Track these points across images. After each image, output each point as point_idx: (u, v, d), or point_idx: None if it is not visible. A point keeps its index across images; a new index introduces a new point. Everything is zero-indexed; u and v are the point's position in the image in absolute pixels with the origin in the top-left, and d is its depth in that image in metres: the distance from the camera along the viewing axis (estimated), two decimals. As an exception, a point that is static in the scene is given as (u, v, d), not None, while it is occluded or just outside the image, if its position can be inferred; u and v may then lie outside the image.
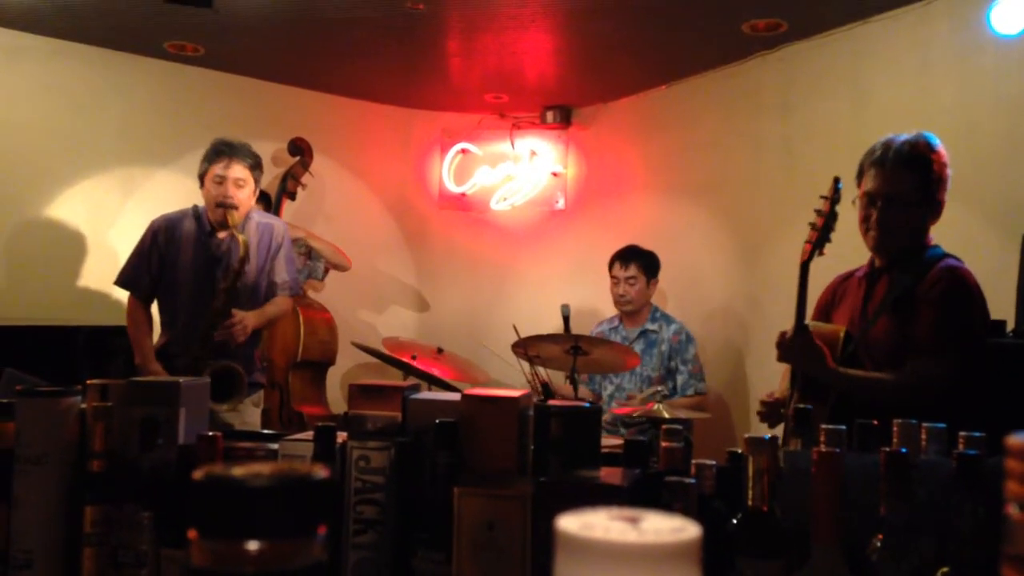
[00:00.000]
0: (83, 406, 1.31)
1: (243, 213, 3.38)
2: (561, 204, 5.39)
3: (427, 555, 1.14)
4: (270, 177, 4.83)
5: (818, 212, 2.33)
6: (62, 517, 1.25)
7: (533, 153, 5.39)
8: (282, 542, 0.37)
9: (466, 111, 5.44)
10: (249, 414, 3.43)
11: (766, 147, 4.36)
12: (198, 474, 0.38)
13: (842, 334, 2.36)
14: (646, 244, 4.37)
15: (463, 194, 5.51)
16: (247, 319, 3.28)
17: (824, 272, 2.55)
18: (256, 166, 3.41)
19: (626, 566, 0.36)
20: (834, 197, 2.32)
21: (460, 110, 5.44)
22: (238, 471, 0.38)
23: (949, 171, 2.38)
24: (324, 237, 4.75)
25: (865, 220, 2.38)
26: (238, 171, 3.33)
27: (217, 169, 3.34)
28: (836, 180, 2.34)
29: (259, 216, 3.58)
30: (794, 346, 2.27)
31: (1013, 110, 3.31)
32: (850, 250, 2.51)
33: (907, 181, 2.32)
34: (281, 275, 3.49)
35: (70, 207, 4.36)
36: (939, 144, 2.37)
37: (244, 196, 3.36)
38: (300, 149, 4.74)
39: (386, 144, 5.52)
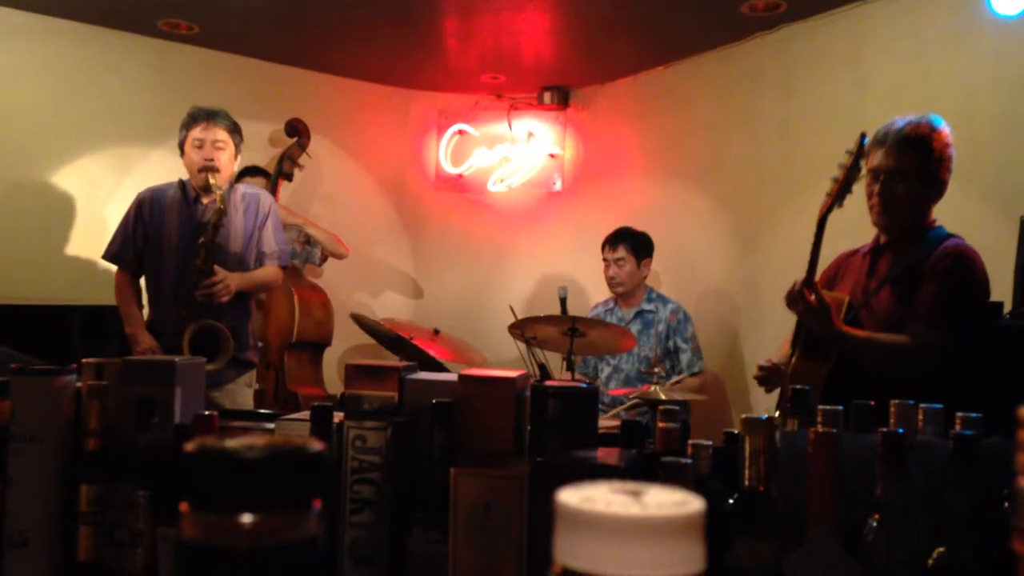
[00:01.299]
0: (78, 385, 1.31)
1: (225, 177, 3.36)
2: (558, 186, 5.37)
3: (424, 534, 1.14)
4: (266, 158, 4.81)
5: (841, 166, 2.38)
6: (58, 496, 1.25)
7: (530, 134, 5.37)
8: (276, 516, 0.36)
9: (463, 92, 5.41)
10: (241, 395, 3.42)
11: (764, 129, 4.35)
12: (191, 446, 0.37)
13: (846, 300, 2.44)
14: (643, 226, 4.36)
15: (460, 175, 5.49)
16: (230, 279, 3.25)
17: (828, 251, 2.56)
18: (234, 130, 3.38)
19: (629, 540, 0.35)
20: (858, 152, 2.36)
21: (457, 91, 5.42)
22: (231, 443, 0.38)
23: (952, 151, 2.43)
24: (321, 220, 4.73)
25: (869, 196, 2.46)
26: (217, 133, 3.32)
27: (195, 133, 3.33)
28: (863, 135, 2.38)
29: (245, 187, 3.57)
30: (802, 298, 2.34)
31: (1012, 91, 3.30)
32: (855, 228, 2.53)
33: (907, 158, 2.39)
34: (269, 245, 3.46)
35: (65, 186, 4.34)
36: (943, 125, 2.43)
37: (225, 159, 3.34)
38: (297, 130, 4.71)
39: (383, 125, 5.49)
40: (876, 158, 2.43)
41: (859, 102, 3.81)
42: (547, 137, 5.37)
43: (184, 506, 0.37)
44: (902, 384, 1.37)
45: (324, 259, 4.74)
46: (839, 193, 2.36)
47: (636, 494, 0.38)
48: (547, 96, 5.32)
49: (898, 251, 2.46)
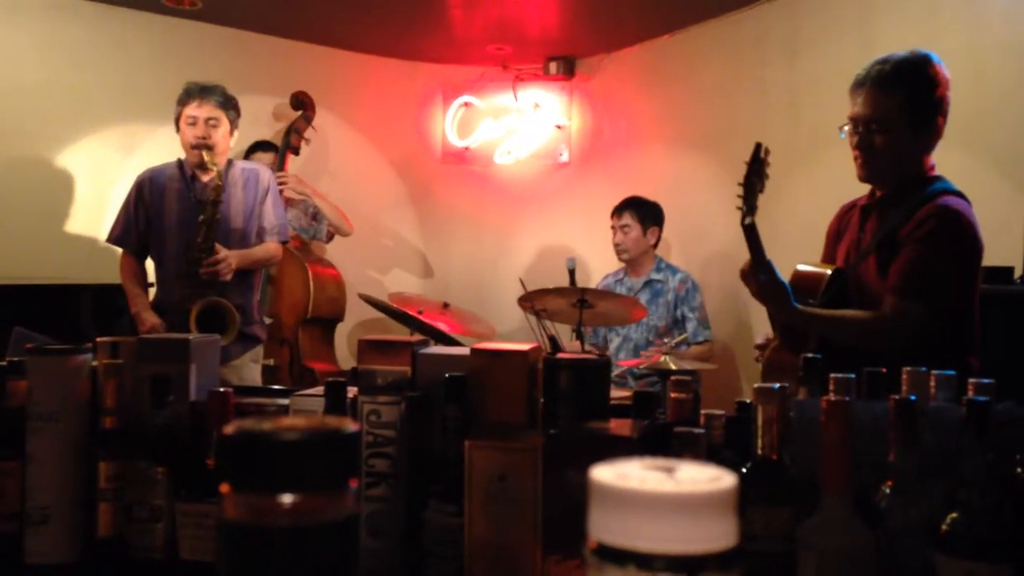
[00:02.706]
0: (94, 364, 1.32)
1: (221, 153, 3.35)
2: (565, 157, 5.35)
3: (439, 507, 1.15)
4: (272, 132, 4.80)
5: (740, 183, 2.21)
6: (76, 473, 1.26)
7: (536, 105, 5.34)
8: (315, 495, 0.37)
9: (468, 63, 5.38)
10: (248, 371, 3.44)
11: (772, 95, 4.31)
12: (230, 428, 0.38)
13: (829, 274, 2.26)
14: (650, 195, 4.35)
15: (466, 148, 5.47)
16: (231, 257, 3.26)
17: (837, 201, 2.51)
18: (228, 105, 3.36)
19: (664, 515, 0.36)
20: (753, 162, 2.19)
21: (462, 62, 5.38)
22: (270, 425, 0.38)
23: (945, 91, 2.19)
24: (329, 195, 4.72)
25: (853, 148, 2.24)
26: (209, 110, 3.30)
27: (189, 110, 3.32)
28: (756, 145, 2.22)
29: (244, 163, 3.57)
30: (753, 281, 2.17)
31: (1022, 56, 3.26)
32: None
33: (887, 103, 2.16)
34: (269, 220, 3.46)
35: (72, 165, 4.34)
36: (934, 61, 2.19)
37: (219, 136, 3.33)
38: (302, 103, 4.70)
39: (388, 98, 5.47)
40: (855, 105, 2.21)
41: (866, 63, 3.77)
42: (553, 108, 5.34)
43: (225, 487, 0.37)
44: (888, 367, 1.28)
45: (331, 236, 4.74)
46: (746, 207, 2.16)
47: (669, 470, 0.38)
48: (553, 66, 5.29)
49: (884, 211, 2.24)
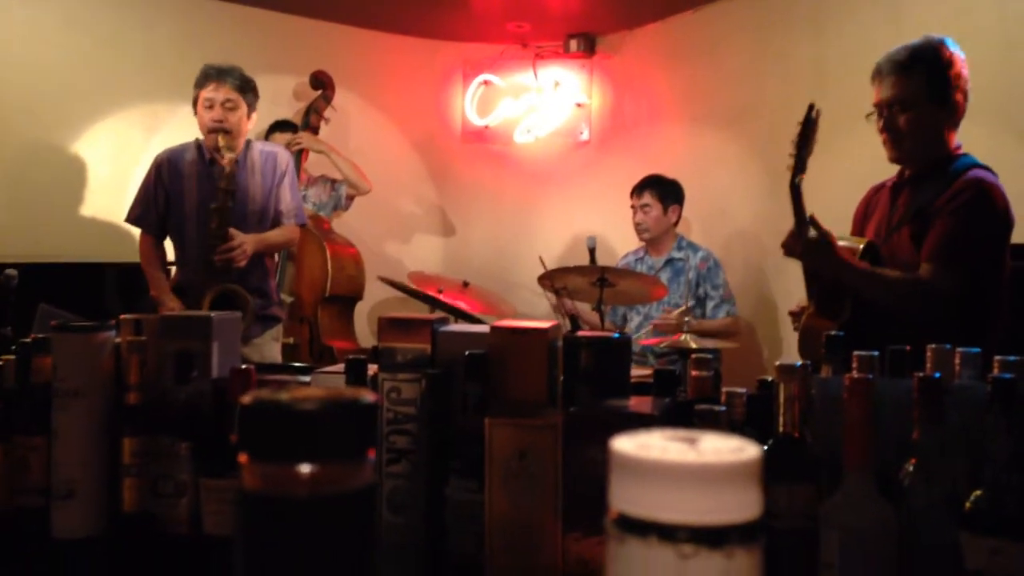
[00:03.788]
0: (118, 341, 1.33)
1: (239, 136, 3.33)
2: (586, 135, 5.32)
3: (460, 483, 1.16)
4: (292, 112, 4.81)
5: (793, 140, 2.31)
6: (101, 449, 1.28)
7: (557, 83, 5.30)
8: (334, 465, 0.37)
9: (488, 41, 5.35)
10: (268, 349, 3.45)
11: (797, 70, 4.26)
12: (248, 398, 0.38)
13: (861, 247, 2.35)
14: (672, 173, 4.31)
15: (486, 127, 5.45)
16: (246, 242, 3.24)
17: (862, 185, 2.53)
18: (246, 88, 3.34)
19: (686, 486, 0.35)
20: (806, 122, 2.31)
21: (482, 40, 5.35)
22: (288, 395, 0.38)
23: (961, 70, 2.30)
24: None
25: (880, 133, 2.38)
26: (226, 92, 3.28)
27: (206, 93, 3.30)
28: (810, 106, 2.33)
29: (262, 145, 3.55)
30: (798, 236, 2.26)
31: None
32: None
33: (906, 84, 2.29)
34: (286, 203, 3.46)
35: (96, 145, 4.37)
36: (947, 44, 2.31)
37: (236, 119, 3.30)
38: (322, 82, 4.69)
39: (408, 77, 5.45)
40: (877, 93, 2.36)
41: (894, 39, 3.67)
42: (574, 86, 5.31)
43: (243, 457, 0.37)
44: (918, 338, 1.29)
45: (351, 199, 4.71)
46: (797, 164, 2.28)
47: (692, 441, 0.38)
48: (573, 44, 5.24)
49: (916, 187, 2.35)
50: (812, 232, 2.25)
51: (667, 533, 0.36)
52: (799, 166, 2.27)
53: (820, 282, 2.34)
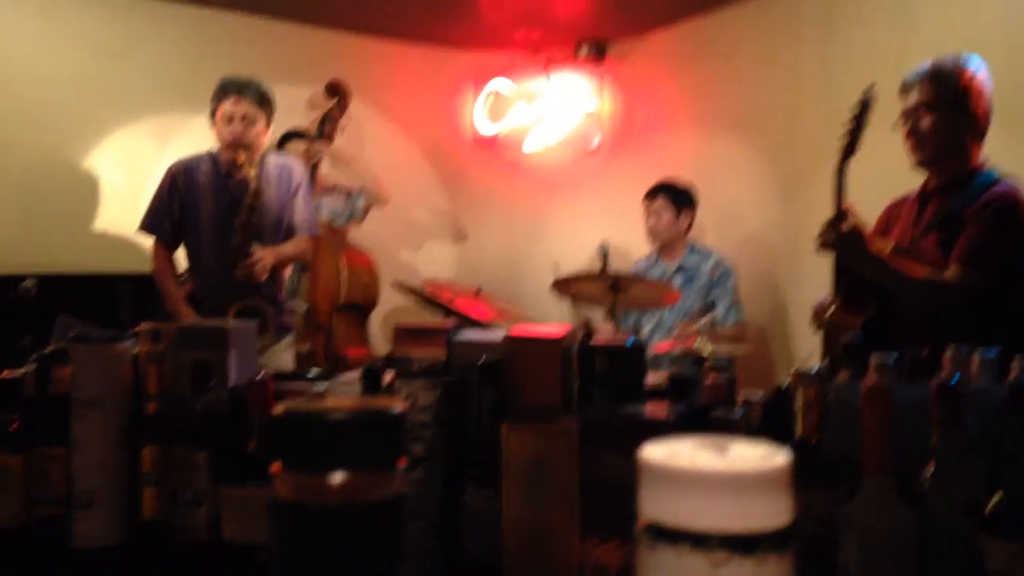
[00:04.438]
0: (136, 351, 1.34)
1: (255, 150, 3.34)
2: (596, 141, 5.32)
3: (476, 491, 1.16)
4: (306, 122, 4.83)
5: (848, 121, 2.40)
6: (121, 458, 1.29)
7: (567, 90, 5.31)
8: (364, 474, 0.38)
9: (498, 49, 5.36)
10: (280, 358, 3.46)
11: (807, 76, 4.25)
12: (280, 409, 0.39)
13: (891, 246, 2.40)
14: (684, 180, 4.31)
15: (497, 135, 5.46)
16: (267, 256, 3.27)
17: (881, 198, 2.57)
18: (264, 102, 3.34)
19: (715, 493, 0.35)
20: (865, 102, 2.37)
21: (492, 48, 5.37)
22: (319, 406, 0.39)
23: (984, 86, 2.37)
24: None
25: (905, 140, 2.43)
26: (245, 107, 3.28)
27: (225, 107, 3.30)
28: (869, 88, 2.40)
29: (276, 157, 3.56)
30: (833, 228, 2.31)
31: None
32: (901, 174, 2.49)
33: (931, 90, 2.36)
34: (300, 215, 3.47)
35: (109, 157, 4.40)
36: (972, 64, 2.38)
37: (254, 133, 3.31)
38: (337, 91, 4.70)
39: (418, 85, 5.47)
40: (903, 101, 2.42)
41: (902, 43, 3.71)
42: (584, 92, 5.31)
43: (276, 467, 0.38)
44: (942, 335, 1.33)
45: (367, 209, 4.72)
46: (849, 145, 2.36)
47: (721, 448, 0.38)
48: (583, 50, 5.24)
49: (944, 197, 2.40)
50: (847, 224, 2.29)
51: (699, 541, 0.36)
52: (850, 149, 2.35)
53: (848, 276, 2.38)
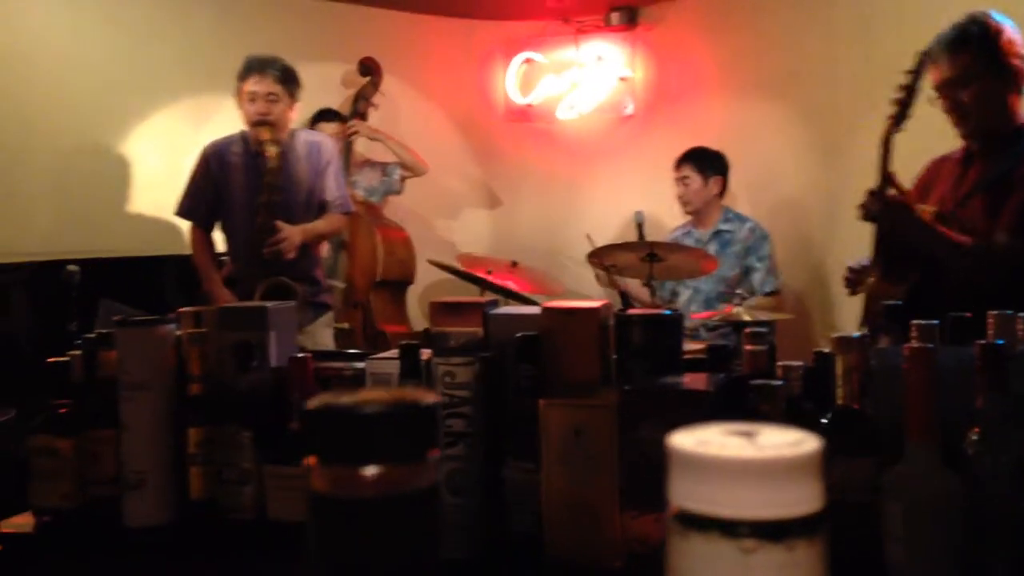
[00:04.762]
0: (178, 333, 1.36)
1: (282, 128, 3.34)
2: (630, 109, 5.27)
3: (517, 464, 1.17)
4: (340, 100, 4.84)
5: (900, 86, 2.32)
6: (168, 439, 1.31)
7: (599, 58, 5.25)
8: (398, 466, 0.38)
9: (528, 18, 5.32)
10: (320, 335, 3.48)
11: (843, 34, 4.17)
12: (314, 402, 0.39)
13: (932, 212, 2.34)
14: (718, 144, 4.26)
15: (529, 105, 5.43)
16: (294, 234, 3.27)
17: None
18: (288, 79, 3.34)
19: (746, 481, 0.35)
20: (917, 69, 2.30)
21: (522, 18, 5.32)
22: (353, 399, 0.39)
23: (1013, 36, 2.29)
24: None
25: (947, 113, 2.35)
26: (268, 85, 3.28)
27: (248, 86, 3.31)
28: (922, 54, 2.32)
29: (307, 135, 3.56)
30: (878, 196, 2.28)
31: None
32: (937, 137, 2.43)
33: (961, 60, 2.28)
34: (331, 192, 3.46)
35: (145, 140, 4.44)
36: (992, 16, 2.31)
37: (279, 111, 3.31)
38: (370, 69, 4.71)
39: (449, 58, 5.45)
40: (934, 74, 2.34)
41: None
42: (616, 59, 5.25)
43: (311, 460, 0.39)
44: (987, 304, 1.30)
45: (403, 182, 4.74)
46: (899, 115, 2.29)
47: (750, 435, 0.38)
48: (614, 17, 5.18)
49: (989, 159, 2.32)
50: (891, 190, 2.26)
51: (729, 529, 0.36)
52: (899, 118, 2.30)
53: (889, 245, 2.34)
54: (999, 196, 2.25)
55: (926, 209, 2.36)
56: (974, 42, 2.28)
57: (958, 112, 2.31)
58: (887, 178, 2.30)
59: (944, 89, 2.32)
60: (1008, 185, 2.24)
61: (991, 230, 2.24)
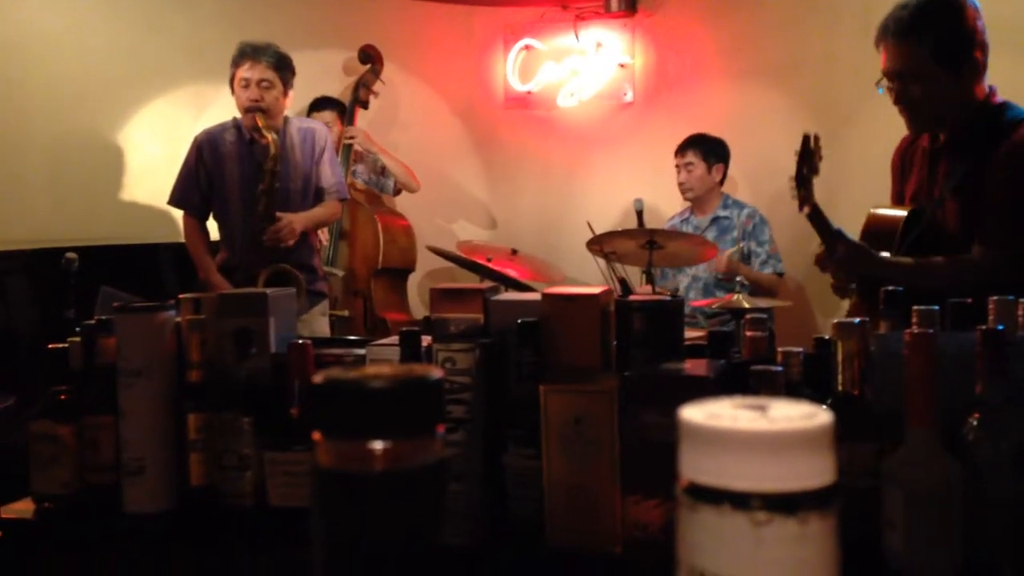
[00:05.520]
0: (178, 320, 1.36)
1: (276, 115, 3.33)
2: (630, 96, 5.25)
3: (518, 451, 1.17)
4: (341, 87, 4.82)
5: (791, 177, 2.17)
6: (167, 426, 1.31)
7: (599, 45, 5.23)
8: (405, 441, 0.38)
9: (527, 5, 5.29)
10: (317, 324, 3.48)
11: (843, 19, 4.15)
12: (320, 377, 0.39)
13: (902, 222, 2.17)
14: (718, 131, 4.25)
15: (528, 92, 5.41)
16: (294, 222, 3.27)
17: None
18: (282, 66, 3.32)
19: (758, 454, 0.35)
20: (802, 152, 2.14)
21: (521, 4, 5.30)
22: (359, 373, 0.39)
23: (975, 22, 2.00)
24: (398, 147, 4.73)
25: (894, 103, 2.12)
26: (261, 71, 3.26)
27: (241, 72, 3.28)
28: (804, 137, 2.16)
29: (299, 122, 3.55)
30: (834, 256, 2.11)
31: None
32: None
33: (914, 53, 2.01)
34: (327, 179, 3.45)
35: (146, 128, 4.43)
36: None
37: (272, 98, 3.29)
38: (371, 57, 4.69)
39: (448, 45, 5.43)
40: (883, 59, 2.09)
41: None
42: (616, 46, 5.23)
43: (317, 435, 0.39)
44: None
45: (397, 192, 4.76)
46: (803, 198, 2.11)
47: (762, 408, 0.38)
48: (614, 3, 5.15)
49: (953, 154, 2.08)
50: (841, 248, 2.08)
51: (740, 501, 0.36)
52: (806, 198, 2.11)
53: (861, 283, 2.18)
54: (969, 200, 2.05)
55: (901, 210, 2.22)
56: (931, 30, 2.00)
57: (909, 107, 2.09)
58: (833, 240, 2.12)
59: (892, 77, 2.08)
60: (978, 182, 2.03)
61: (967, 238, 2.05)
